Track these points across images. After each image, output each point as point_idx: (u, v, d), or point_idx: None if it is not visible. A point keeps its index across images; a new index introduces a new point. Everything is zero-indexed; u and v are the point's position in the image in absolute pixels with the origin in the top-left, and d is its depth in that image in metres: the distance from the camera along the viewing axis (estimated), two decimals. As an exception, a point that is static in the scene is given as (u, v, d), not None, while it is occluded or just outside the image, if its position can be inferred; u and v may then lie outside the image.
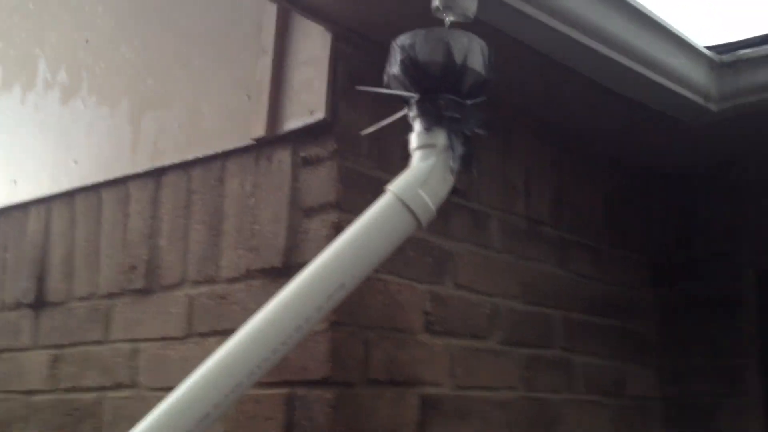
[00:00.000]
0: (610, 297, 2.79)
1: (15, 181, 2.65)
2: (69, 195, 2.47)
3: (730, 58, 2.28)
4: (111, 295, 2.27)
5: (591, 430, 2.59)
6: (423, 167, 1.50)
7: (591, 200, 2.77)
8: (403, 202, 1.48)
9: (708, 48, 2.33)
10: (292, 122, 1.93)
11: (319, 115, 1.87)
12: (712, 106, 2.33)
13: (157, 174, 2.24)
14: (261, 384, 1.66)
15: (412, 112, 1.56)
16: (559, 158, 2.63)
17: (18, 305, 2.52)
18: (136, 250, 2.23)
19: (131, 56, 2.41)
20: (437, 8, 1.62)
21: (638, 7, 2.01)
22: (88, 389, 2.25)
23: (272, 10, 2.01)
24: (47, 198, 2.54)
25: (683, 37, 2.17)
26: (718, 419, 2.91)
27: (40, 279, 2.48)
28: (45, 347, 2.41)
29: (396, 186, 1.51)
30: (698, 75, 2.25)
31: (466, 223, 2.21)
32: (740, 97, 2.31)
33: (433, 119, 1.52)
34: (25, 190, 2.60)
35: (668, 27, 2.11)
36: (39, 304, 2.46)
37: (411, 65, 1.53)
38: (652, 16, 2.06)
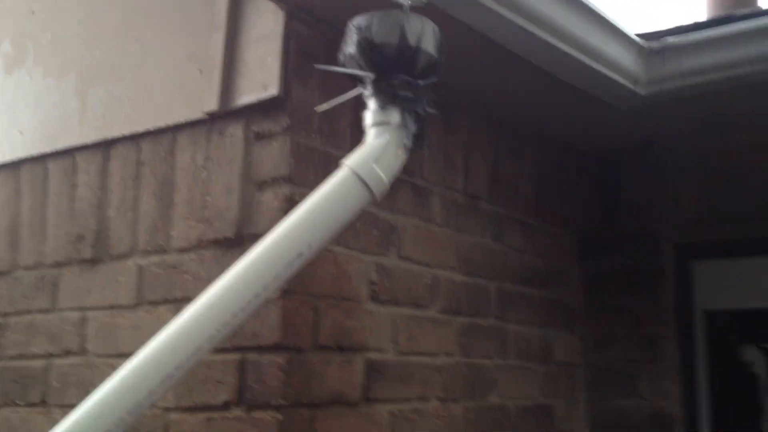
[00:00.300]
0: (540, 269, 2.93)
1: (-44, 150, 2.62)
2: (14, 165, 2.46)
3: (658, 45, 2.42)
4: (58, 264, 2.28)
5: (521, 394, 2.74)
6: (378, 143, 1.58)
7: (524, 177, 2.89)
8: (358, 176, 1.56)
9: (638, 35, 2.46)
10: (245, 97, 1.98)
11: (273, 91, 1.93)
12: (641, 90, 2.47)
13: (105, 146, 2.25)
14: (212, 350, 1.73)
15: (368, 91, 1.63)
16: (495, 137, 2.74)
17: (-39, 274, 2.51)
18: (84, 221, 2.25)
19: (78, 28, 2.41)
20: (392, -9, 1.70)
21: (576, -4, 2.12)
22: (35, 356, 2.27)
23: (222, -20, 2.04)
24: (-10, 167, 2.52)
25: (616, 24, 2.30)
26: (638, 384, 3.08)
27: (-17, 248, 2.47)
28: (-11, 316, 2.42)
29: (352, 161, 1.58)
30: (628, 61, 2.38)
31: (409, 198, 2.30)
32: (666, 82, 2.45)
33: (387, 98, 1.60)
34: (-31, 160, 2.57)
35: (602, 15, 2.23)
36: (-18, 273, 2.45)
37: (367, 46, 1.60)
38: (588, 4, 2.17)
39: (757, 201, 3.00)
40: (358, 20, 1.62)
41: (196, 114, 2.06)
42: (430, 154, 2.38)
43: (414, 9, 1.70)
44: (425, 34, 1.61)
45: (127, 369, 1.44)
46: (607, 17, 2.25)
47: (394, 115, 1.59)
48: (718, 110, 2.75)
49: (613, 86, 2.42)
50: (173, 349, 1.45)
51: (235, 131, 2.01)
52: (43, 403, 2.21)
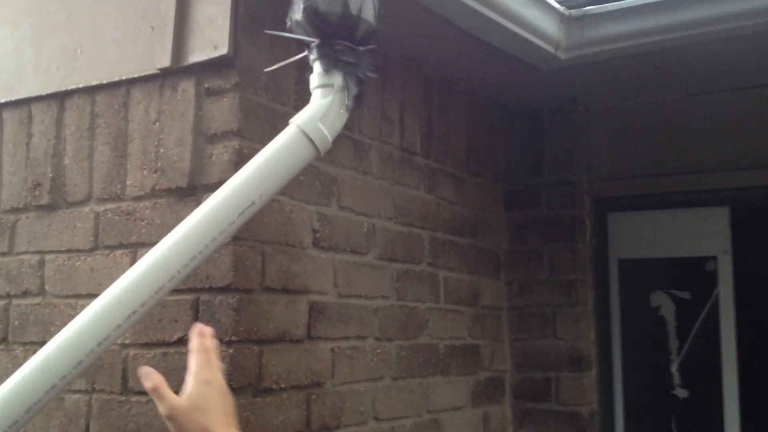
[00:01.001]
0: (470, 219, 3.13)
1: None
2: (-32, 114, 2.54)
3: (578, 13, 2.61)
4: (15, 210, 2.38)
5: (450, 334, 2.94)
6: (322, 104, 1.73)
7: (456, 133, 3.07)
8: (305, 134, 1.71)
9: (559, 2, 2.65)
10: (197, 55, 2.10)
11: (223, 50, 2.06)
12: (561, 54, 2.66)
13: (60, 97, 2.35)
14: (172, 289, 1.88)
15: (313, 55, 1.77)
16: (428, 95, 2.90)
17: None
18: (41, 169, 2.35)
19: (29, -20, 2.48)
20: (335, -37, 1.84)
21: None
22: (-6, 297, 2.39)
23: (173, -60, 2.14)
24: (-57, 116, 2.59)
25: (540, -7, 2.48)
26: (557, 325, 3.29)
27: (-62, 194, 2.54)
28: (-54, 259, 2.51)
29: (299, 119, 1.73)
30: (550, 27, 2.57)
31: (349, 152, 2.46)
32: (585, 48, 2.64)
33: (331, 62, 1.74)
34: None
35: (527, -16, 2.41)
36: (-62, 218, 2.54)
37: (312, 14, 1.74)
38: (513, -26, 2.35)
39: (666, 158, 3.25)
40: (305, -11, 1.76)
41: (149, 69, 2.17)
42: (368, 111, 2.54)
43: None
44: (365, 4, 1.75)
45: (97, 305, 1.59)
46: (532, -14, 2.43)
47: (337, 78, 1.74)
48: (631, 74, 2.97)
49: (536, 51, 2.61)
50: (139, 287, 1.59)
51: (187, 87, 2.14)
52: (4, 340, 2.33)
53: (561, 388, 3.27)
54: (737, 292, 3.31)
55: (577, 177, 3.33)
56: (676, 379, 3.44)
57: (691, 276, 3.44)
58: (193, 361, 1.37)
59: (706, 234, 3.32)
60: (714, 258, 3.33)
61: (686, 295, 3.45)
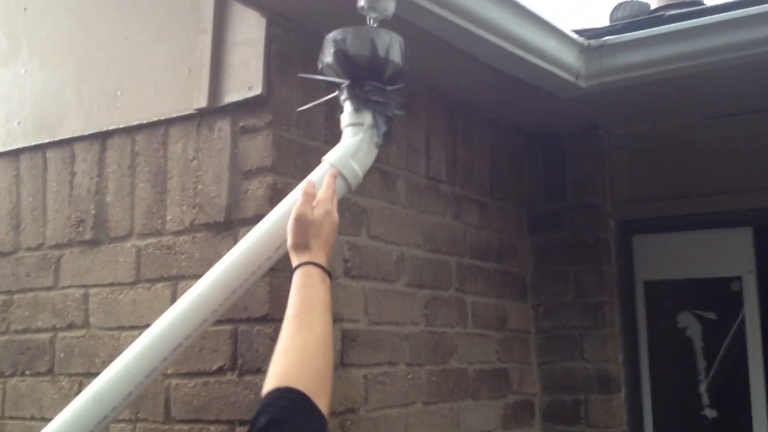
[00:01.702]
0: (495, 244, 3.18)
1: (-45, 140, 2.79)
2: (13, 153, 2.65)
3: (597, 43, 2.68)
4: (59, 246, 2.49)
5: (479, 358, 2.99)
6: (353, 142, 1.83)
7: (479, 160, 3.14)
8: (338, 170, 1.81)
9: (579, 32, 2.73)
10: (232, 96, 2.21)
11: (257, 90, 2.16)
12: (581, 83, 2.73)
13: (101, 137, 2.46)
14: (214, 322, 1.97)
15: (343, 96, 1.87)
16: (452, 124, 2.98)
17: (-36, 255, 2.70)
18: (84, 206, 2.46)
19: (70, 25, 2.59)
20: (362, 8, 1.94)
21: (523, 4, 2.37)
22: (41, 330, 2.49)
23: (209, -9, 2.25)
24: (-10, 156, 2.71)
25: (558, 27, 2.55)
26: (585, 348, 3.31)
27: (-14, 231, 2.67)
28: (-6, 293, 2.62)
29: (331, 156, 1.83)
30: (570, 57, 2.65)
31: (377, 183, 2.55)
32: (605, 76, 2.71)
33: (360, 102, 1.84)
34: (-32, 149, 2.75)
35: (545, 19, 2.48)
36: (-14, 253, 2.65)
37: (342, 57, 1.84)
38: (532, 10, 2.42)
39: (687, 180, 3.29)
40: (335, 34, 1.86)
41: (186, 109, 2.27)
42: (395, 141, 2.62)
43: (381, 20, 1.95)
44: (393, 46, 1.86)
45: (144, 339, 1.69)
46: (550, 21, 2.50)
47: (367, 117, 1.84)
48: (651, 99, 3.03)
49: (557, 80, 2.68)
50: (183, 321, 1.70)
51: (223, 125, 2.24)
52: (51, 372, 2.43)
53: (590, 410, 3.29)
54: (763, 312, 3.33)
55: (600, 200, 3.38)
56: (705, 399, 3.46)
57: (717, 296, 3.47)
58: (322, 192, 1.69)
59: (730, 254, 3.35)
60: (739, 278, 3.36)
61: (712, 315, 3.48)
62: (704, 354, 3.48)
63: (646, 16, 3.06)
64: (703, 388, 3.47)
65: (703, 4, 4.78)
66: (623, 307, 3.43)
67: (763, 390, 3.28)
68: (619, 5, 4.06)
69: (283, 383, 1.36)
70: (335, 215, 1.68)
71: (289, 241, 1.64)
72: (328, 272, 1.62)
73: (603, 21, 2.88)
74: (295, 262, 1.62)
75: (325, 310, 1.55)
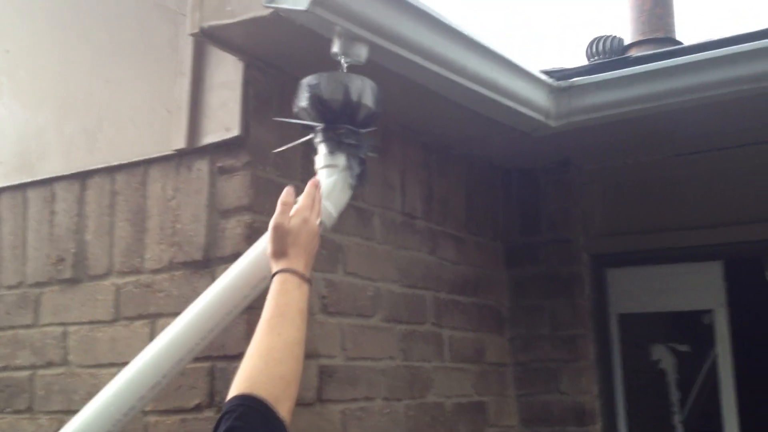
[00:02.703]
0: (471, 278, 3.23)
1: (-65, 179, 2.82)
2: (-6, 193, 2.69)
3: (565, 84, 2.76)
4: (39, 284, 2.52)
5: (456, 392, 3.02)
6: (328, 183, 1.88)
7: (454, 195, 3.19)
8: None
9: (548, 73, 2.81)
10: (210, 137, 2.26)
11: (235, 132, 2.21)
12: (551, 123, 2.80)
13: (82, 176, 2.50)
14: (191, 360, 2.00)
15: (318, 138, 1.92)
16: (427, 160, 3.04)
17: (-57, 294, 2.72)
18: (64, 244, 2.50)
19: (51, 66, 2.64)
20: (336, 53, 2.01)
21: (492, 48, 2.44)
22: (20, 368, 2.50)
23: (187, 35, 2.30)
24: (-30, 195, 2.74)
25: (528, 69, 2.63)
26: (561, 380, 3.35)
27: (-34, 269, 2.68)
28: (-27, 332, 2.63)
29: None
30: (540, 98, 2.72)
31: (353, 220, 2.59)
32: (574, 116, 2.78)
33: (334, 145, 1.90)
34: (-51, 188, 2.77)
35: (514, 62, 2.56)
36: (-34, 292, 2.67)
37: (317, 101, 1.90)
38: (501, 53, 2.49)
39: (659, 214, 3.37)
40: (309, 79, 1.92)
41: (165, 150, 2.32)
42: (370, 179, 2.67)
43: (355, 65, 2.02)
44: (365, 91, 1.92)
45: (122, 378, 1.72)
46: (519, 64, 2.58)
47: (341, 159, 1.89)
48: (621, 136, 3.10)
49: (527, 120, 2.76)
50: (161, 360, 1.73)
51: (201, 166, 2.29)
52: (29, 410, 2.44)
53: (567, 442, 3.33)
54: (735, 344, 3.40)
55: (573, 234, 3.44)
56: (680, 430, 3.52)
57: (689, 329, 3.54)
58: (301, 201, 1.74)
59: (702, 288, 3.42)
60: (710, 311, 3.43)
61: (685, 347, 3.54)
62: (678, 386, 3.55)
63: (614, 58, 3.15)
64: (677, 419, 3.52)
65: (675, 39, 4.92)
66: (598, 339, 3.48)
67: (735, 419, 3.33)
68: (596, 39, 4.18)
69: (245, 390, 1.39)
70: (313, 223, 1.72)
71: (269, 250, 1.68)
72: (306, 279, 1.65)
73: (580, 55, 2.95)
74: (273, 269, 1.66)
75: (297, 315, 1.57)
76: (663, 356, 3.58)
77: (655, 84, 2.62)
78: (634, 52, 3.97)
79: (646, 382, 3.61)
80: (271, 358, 1.47)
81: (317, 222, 1.74)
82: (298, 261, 1.65)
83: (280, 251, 1.66)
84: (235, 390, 1.40)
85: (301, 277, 1.63)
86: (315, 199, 1.76)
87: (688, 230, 3.32)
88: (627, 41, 4.74)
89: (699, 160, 3.28)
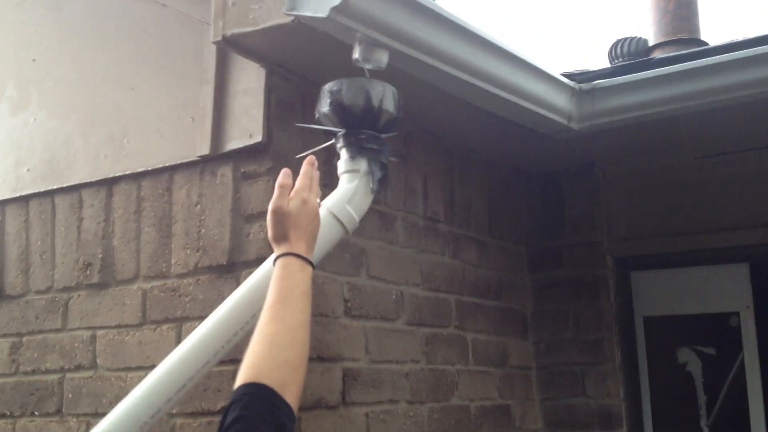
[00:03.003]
0: (494, 281, 3.23)
1: (-35, 186, 2.88)
2: (23, 199, 2.73)
3: (588, 86, 2.75)
4: (67, 289, 2.56)
5: (481, 395, 3.02)
6: (349, 188, 1.90)
7: (477, 199, 3.20)
8: (334, 215, 1.87)
9: (569, 76, 2.81)
10: (234, 143, 2.29)
11: (258, 138, 2.24)
12: (574, 125, 2.80)
13: (108, 183, 2.54)
14: (217, 363, 2.02)
15: (339, 144, 1.95)
16: (449, 165, 3.05)
17: (-25, 299, 2.78)
18: (91, 250, 2.54)
19: (78, 75, 2.69)
20: (357, 59, 2.03)
21: (513, 51, 2.45)
22: (49, 371, 2.55)
23: (211, 44, 2.33)
24: (0, 201, 2.79)
25: (549, 72, 2.63)
26: (586, 384, 3.34)
27: (-4, 274, 2.74)
28: (4, 336, 2.67)
29: (328, 202, 1.90)
30: (562, 102, 2.72)
31: (375, 224, 2.61)
32: (596, 119, 2.77)
33: (356, 150, 1.92)
34: (-21, 195, 2.84)
35: (536, 65, 2.56)
36: (-4, 297, 2.73)
37: (338, 107, 1.93)
38: (522, 56, 2.50)
39: (683, 216, 3.35)
40: (330, 85, 1.94)
41: (190, 156, 2.36)
42: (393, 183, 2.69)
43: (376, 70, 2.04)
44: (386, 96, 1.94)
45: (149, 381, 1.74)
46: (540, 67, 2.58)
47: (362, 164, 1.91)
48: (645, 138, 3.10)
49: (550, 123, 2.75)
50: (187, 363, 1.75)
51: (225, 172, 2.32)
52: (58, 412, 2.49)
53: (593, 446, 3.32)
54: (762, 346, 3.37)
55: (598, 237, 3.43)
56: (706, 433, 3.49)
57: (716, 332, 3.51)
58: (298, 181, 1.71)
59: (728, 290, 3.40)
60: (737, 314, 3.40)
61: (711, 350, 3.51)
62: (705, 389, 3.51)
63: (637, 60, 3.14)
64: (704, 422, 3.49)
65: (700, 40, 4.88)
66: (623, 343, 3.46)
67: (763, 421, 3.30)
68: (618, 42, 4.15)
69: (251, 378, 1.38)
70: (313, 203, 1.69)
71: (269, 234, 1.66)
72: (309, 261, 1.62)
73: (602, 57, 2.95)
74: (275, 253, 1.64)
75: (301, 299, 1.55)
76: (689, 359, 3.55)
77: (679, 86, 2.61)
78: (658, 54, 3.94)
79: (672, 385, 3.58)
80: (276, 344, 1.45)
81: (317, 202, 1.71)
82: (299, 244, 1.62)
83: (280, 235, 1.63)
84: (241, 379, 1.40)
85: (304, 259, 1.61)
86: (312, 179, 1.73)
87: (713, 232, 3.30)
88: (650, 43, 4.70)
89: (724, 161, 3.27)
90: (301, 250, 1.62)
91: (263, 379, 1.38)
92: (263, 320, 1.52)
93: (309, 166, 1.75)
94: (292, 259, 1.60)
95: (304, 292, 1.57)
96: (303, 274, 1.60)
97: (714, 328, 3.52)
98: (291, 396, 1.39)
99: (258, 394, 1.36)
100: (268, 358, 1.43)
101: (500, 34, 2.41)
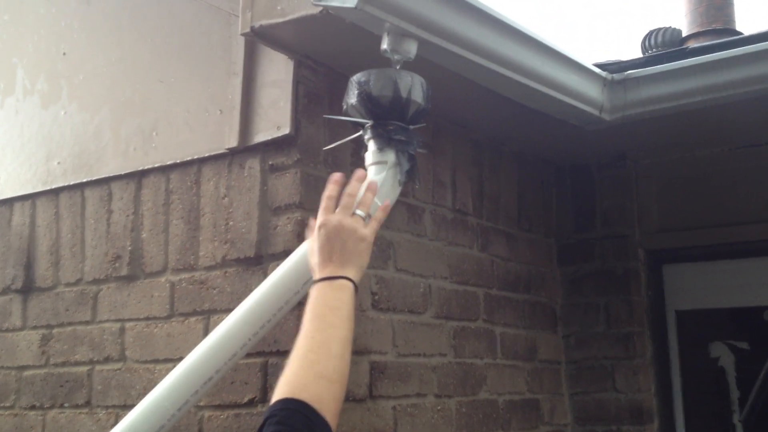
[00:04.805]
0: (523, 275, 3.21)
1: (-3, 178, 2.91)
2: (53, 192, 2.75)
3: (620, 77, 2.71)
4: (97, 281, 2.58)
5: (510, 389, 3.00)
6: (377, 179, 1.88)
7: (506, 192, 3.17)
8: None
9: (601, 66, 2.77)
10: (262, 135, 2.28)
11: (285, 130, 2.23)
12: (606, 116, 2.76)
13: (137, 176, 2.55)
14: (244, 355, 2.02)
15: (367, 135, 1.93)
16: (478, 157, 3.03)
17: (6, 290, 2.80)
18: (120, 242, 2.55)
19: (108, 69, 2.70)
20: (385, 50, 2.01)
21: (543, 41, 2.41)
22: (79, 363, 2.57)
23: (240, 36, 2.33)
24: (31, 194, 2.81)
25: (581, 62, 2.59)
26: (616, 378, 3.30)
27: (27, 267, 2.76)
28: (35, 328, 2.70)
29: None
30: (594, 92, 2.68)
31: (403, 216, 2.59)
32: (629, 109, 2.73)
33: (384, 141, 1.90)
34: (10, 188, 2.85)
35: (567, 54, 2.52)
36: (27, 289, 2.75)
37: (366, 98, 1.91)
38: (553, 46, 2.46)
39: (717, 209, 3.29)
40: (358, 76, 1.93)
41: (218, 149, 2.36)
42: (421, 175, 2.66)
43: (404, 61, 2.02)
44: (414, 87, 1.92)
45: (176, 373, 1.75)
46: (571, 57, 2.54)
47: (390, 156, 1.89)
48: (678, 129, 3.04)
49: (581, 114, 2.72)
50: (214, 356, 1.76)
51: (253, 164, 2.31)
52: (88, 404, 2.51)
53: (623, 441, 3.28)
54: (796, 341, 3.30)
55: (629, 230, 3.38)
56: (739, 430, 3.43)
57: (749, 326, 3.45)
58: (320, 208, 1.70)
59: (762, 284, 3.33)
60: (771, 308, 3.34)
61: (745, 345, 3.45)
62: (738, 384, 3.45)
63: (670, 50, 3.08)
64: (737, 418, 3.43)
65: (735, 30, 4.79)
66: (654, 337, 3.42)
67: (798, 420, 3.24)
68: (651, 32, 4.09)
69: (286, 394, 1.38)
70: (331, 223, 1.67)
71: (313, 260, 1.66)
72: (343, 277, 1.61)
73: (634, 48, 2.91)
74: (314, 276, 1.64)
75: (333, 314, 1.54)
76: (722, 354, 3.49)
77: (713, 75, 2.56)
78: (692, 44, 3.88)
79: (704, 380, 3.53)
80: (308, 360, 1.46)
81: (360, 214, 1.69)
82: (335, 267, 1.62)
83: (326, 258, 1.63)
84: (276, 395, 1.40)
85: (335, 278, 1.60)
86: (332, 197, 1.72)
87: (747, 225, 3.23)
88: (684, 33, 4.63)
89: (758, 153, 3.20)
90: (328, 270, 1.61)
91: (298, 394, 1.38)
92: (297, 340, 1.52)
93: (331, 184, 1.74)
94: (325, 283, 1.61)
95: (336, 307, 1.56)
96: (335, 291, 1.59)
97: (747, 322, 3.46)
98: (329, 412, 1.39)
99: (294, 408, 1.36)
100: (301, 373, 1.44)
101: (530, 23, 2.37)
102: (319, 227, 1.66)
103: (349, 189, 1.72)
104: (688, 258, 3.48)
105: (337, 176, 1.73)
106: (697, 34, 4.76)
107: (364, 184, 1.75)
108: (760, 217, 3.21)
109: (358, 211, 1.70)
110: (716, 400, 3.51)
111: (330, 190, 1.71)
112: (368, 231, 1.69)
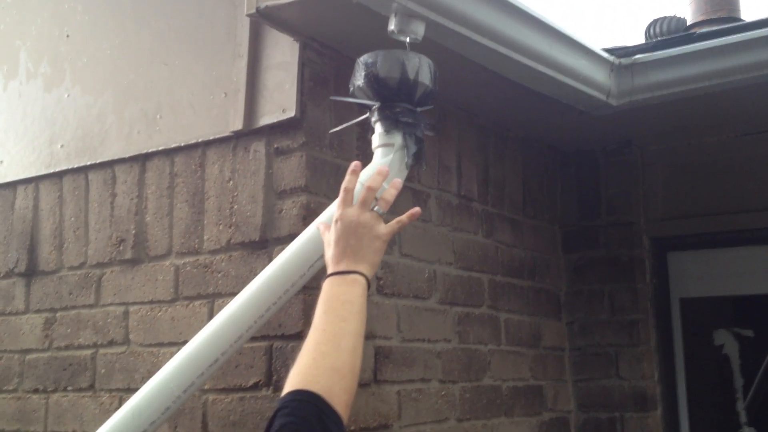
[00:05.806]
0: (528, 261, 3.20)
1: (1, 162, 2.89)
2: (56, 175, 2.73)
3: (627, 61, 2.69)
4: (101, 265, 2.57)
5: (513, 375, 3.00)
6: (384, 162, 1.87)
7: (511, 178, 3.16)
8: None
9: (609, 51, 2.75)
10: (267, 118, 2.26)
11: (291, 113, 2.21)
12: (613, 101, 2.75)
13: (141, 159, 2.53)
14: (249, 338, 2.01)
15: (374, 117, 1.91)
16: (484, 142, 3.01)
17: (10, 274, 2.79)
18: (124, 226, 2.54)
19: (111, 51, 2.68)
20: (393, 31, 1.99)
21: (552, 24, 2.40)
22: (83, 347, 2.56)
23: (245, 17, 2.31)
24: (34, 177, 2.79)
25: (589, 46, 2.58)
26: (620, 365, 3.30)
27: (31, 250, 2.74)
28: (38, 311, 2.69)
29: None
30: (601, 76, 2.66)
31: (409, 201, 2.57)
32: (636, 95, 2.71)
33: (391, 123, 1.88)
34: (13, 171, 2.84)
35: (575, 38, 2.51)
36: (31, 272, 2.73)
37: (373, 79, 1.88)
38: (561, 29, 2.45)
39: (723, 196, 3.28)
40: (365, 57, 1.91)
41: (223, 132, 2.34)
42: (426, 160, 2.66)
43: (411, 43, 2.00)
44: (422, 68, 1.90)
45: (181, 355, 1.74)
46: (580, 41, 2.53)
47: (397, 138, 1.87)
48: (685, 115, 3.03)
49: (588, 99, 2.70)
50: (219, 339, 1.75)
51: (258, 147, 2.30)
52: (91, 387, 2.50)
53: (626, 428, 3.27)
54: (801, 329, 3.29)
55: (634, 217, 3.38)
56: (743, 417, 3.42)
57: (754, 314, 3.44)
58: (338, 199, 1.66)
59: (767, 272, 3.32)
60: (776, 295, 3.33)
61: (749, 332, 3.44)
62: (742, 372, 3.45)
63: (678, 35, 3.06)
64: (741, 406, 3.43)
65: (739, 18, 4.76)
66: (659, 324, 3.42)
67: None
68: (655, 21, 4.06)
69: (297, 386, 1.37)
70: (347, 216, 1.63)
71: (328, 252, 1.64)
72: (354, 272, 1.58)
73: (638, 37, 2.89)
74: (328, 271, 1.62)
75: (344, 308, 1.52)
76: (726, 341, 3.49)
77: (721, 60, 2.55)
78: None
79: (708, 367, 3.52)
80: (318, 353, 1.44)
81: (376, 210, 1.65)
82: (349, 262, 1.59)
83: (340, 252, 1.60)
84: (287, 388, 1.39)
85: (346, 272, 1.58)
86: (348, 190, 1.67)
87: (753, 212, 3.23)
88: (688, 22, 4.60)
89: (765, 140, 3.18)
90: (342, 264, 1.58)
91: (309, 386, 1.37)
92: (309, 332, 1.51)
93: (349, 175, 1.69)
94: (337, 277, 1.58)
95: (348, 301, 1.54)
96: (348, 285, 1.56)
97: (752, 309, 3.45)
98: (340, 404, 1.37)
99: (305, 400, 1.35)
100: (313, 365, 1.42)
101: (537, 6, 2.35)
102: (336, 220, 1.63)
103: (370, 182, 1.67)
104: (692, 245, 3.47)
105: (355, 165, 1.68)
106: (702, 23, 4.71)
107: (387, 180, 1.70)
108: (766, 204, 3.19)
109: (377, 208, 1.66)
110: (720, 387, 3.50)
111: (348, 181, 1.66)
112: (385, 230, 1.65)
